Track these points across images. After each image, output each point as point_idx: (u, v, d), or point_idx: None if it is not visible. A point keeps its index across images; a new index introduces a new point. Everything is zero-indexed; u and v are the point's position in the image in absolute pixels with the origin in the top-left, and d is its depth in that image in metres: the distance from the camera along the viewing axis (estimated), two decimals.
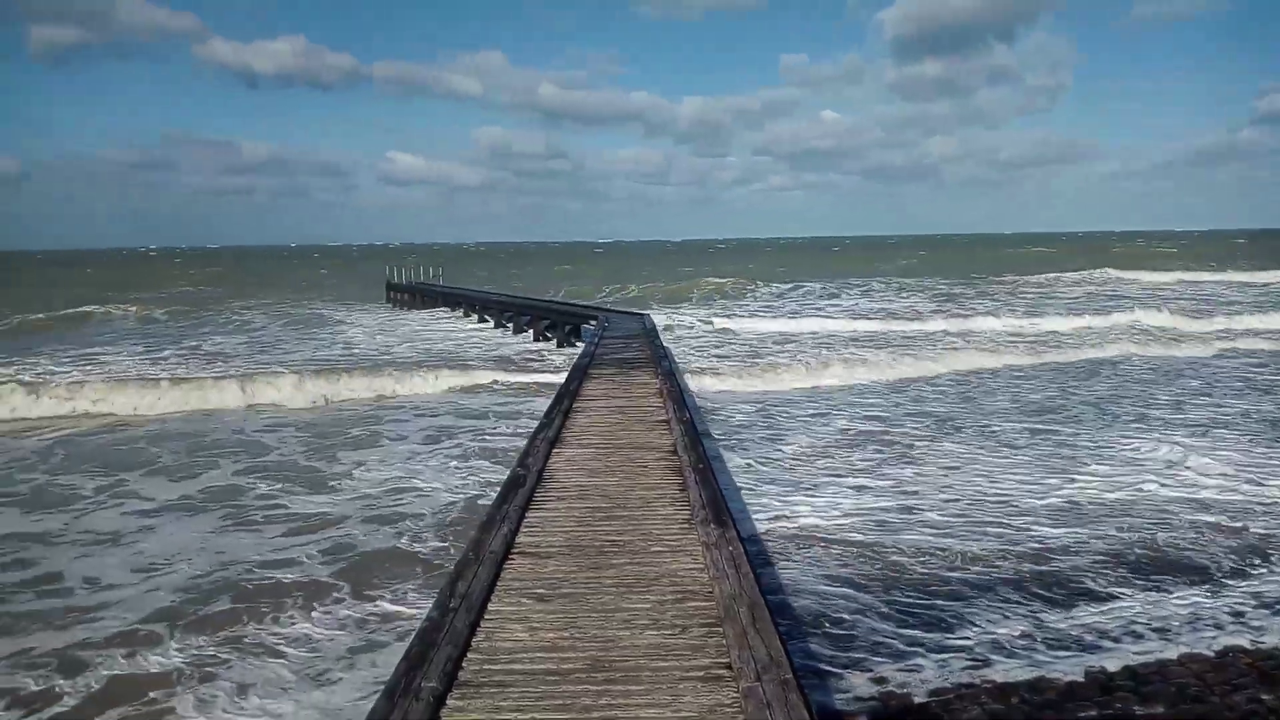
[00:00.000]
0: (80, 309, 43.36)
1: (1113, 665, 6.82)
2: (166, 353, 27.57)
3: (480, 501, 10.78)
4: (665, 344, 19.62)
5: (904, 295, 47.34)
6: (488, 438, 14.87)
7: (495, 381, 20.53)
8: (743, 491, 11.34)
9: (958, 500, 11.11)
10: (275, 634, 7.55)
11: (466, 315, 36.58)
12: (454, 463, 13.23)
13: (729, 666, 4.27)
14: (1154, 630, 7.45)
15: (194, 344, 29.84)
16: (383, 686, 4.09)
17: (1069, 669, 6.78)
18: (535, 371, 22.06)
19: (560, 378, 16.15)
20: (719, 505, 6.69)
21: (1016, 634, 7.42)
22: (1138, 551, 9.27)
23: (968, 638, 7.35)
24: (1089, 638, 7.34)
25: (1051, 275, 59.24)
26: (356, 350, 27.82)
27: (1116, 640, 7.28)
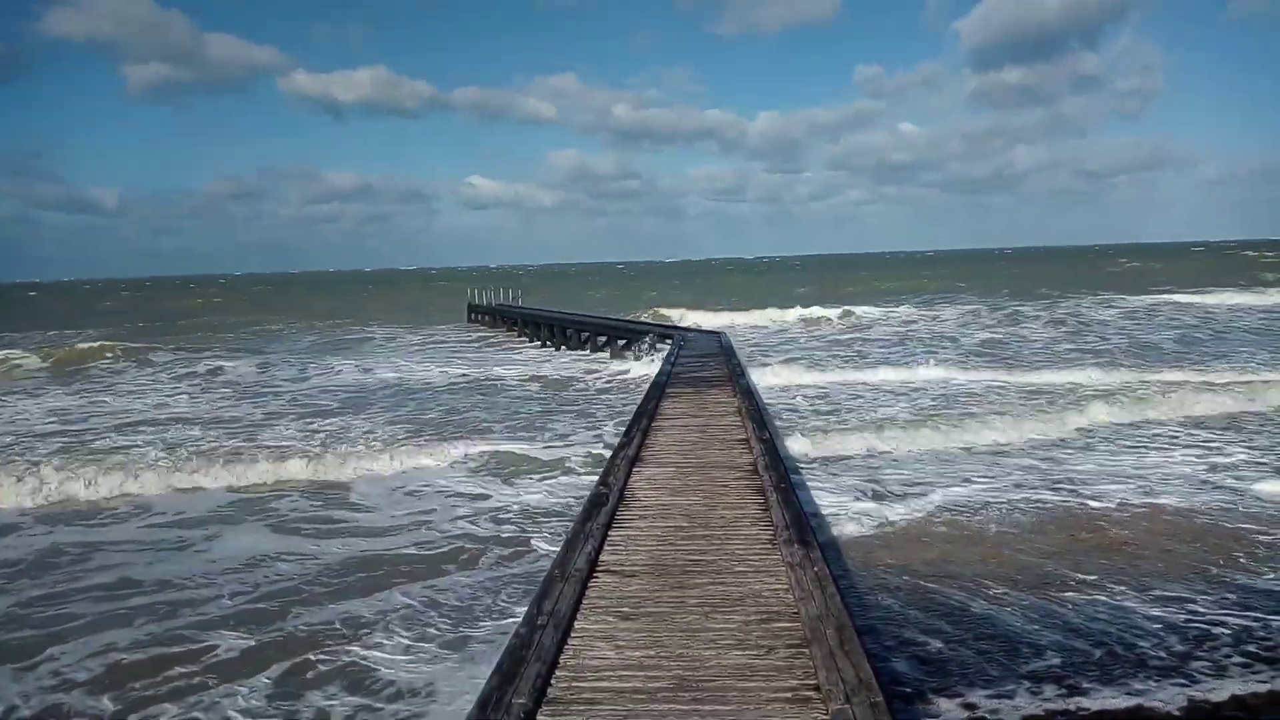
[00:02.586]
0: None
1: (1219, 695, 6.54)
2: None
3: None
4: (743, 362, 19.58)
5: (1031, 323, 38.12)
6: None
7: None
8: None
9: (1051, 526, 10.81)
10: None
11: (545, 342, 37.04)
12: None
13: (817, 688, 4.25)
14: (1264, 660, 7.12)
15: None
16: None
17: (1169, 698, 6.53)
18: None
19: None
20: (802, 525, 6.66)
21: (1112, 659, 7.17)
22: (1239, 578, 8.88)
23: (1060, 664, 7.14)
24: (1191, 665, 7.05)
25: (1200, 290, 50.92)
26: None
27: (1222, 668, 6.98)
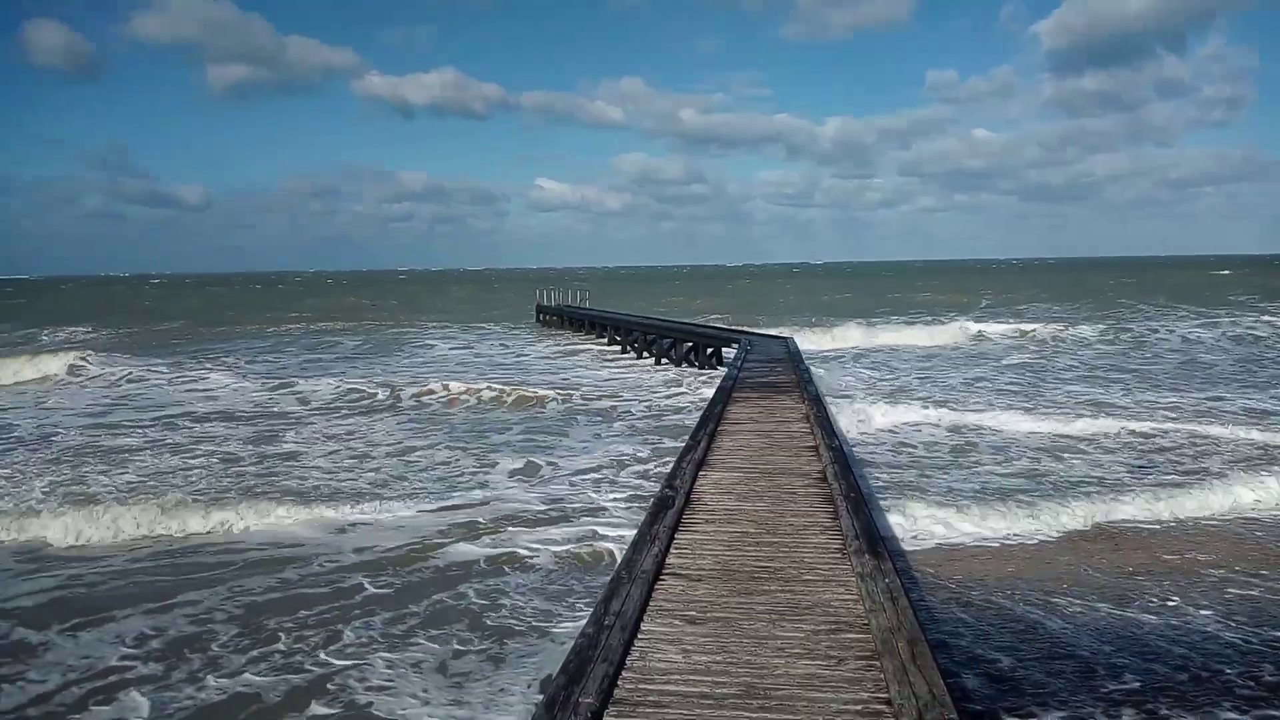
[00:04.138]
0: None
1: None
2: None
3: None
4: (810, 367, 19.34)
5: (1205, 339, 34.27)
6: None
7: None
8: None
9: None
10: None
11: (611, 342, 37.18)
12: None
13: (888, 702, 4.15)
14: None
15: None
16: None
17: None
18: None
19: None
20: (873, 535, 6.54)
21: (1195, 685, 6.89)
22: None
23: (1140, 688, 6.88)
24: None
25: None
26: None
27: None
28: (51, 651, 8.01)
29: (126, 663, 7.74)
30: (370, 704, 6.95)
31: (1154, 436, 15.95)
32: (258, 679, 7.37)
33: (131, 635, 8.29)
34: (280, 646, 7.99)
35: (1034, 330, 38.39)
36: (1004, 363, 29.05)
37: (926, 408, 18.70)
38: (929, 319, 45.03)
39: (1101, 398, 20.84)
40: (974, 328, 38.98)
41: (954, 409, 18.83)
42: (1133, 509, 11.56)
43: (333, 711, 6.87)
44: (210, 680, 7.36)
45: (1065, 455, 14.80)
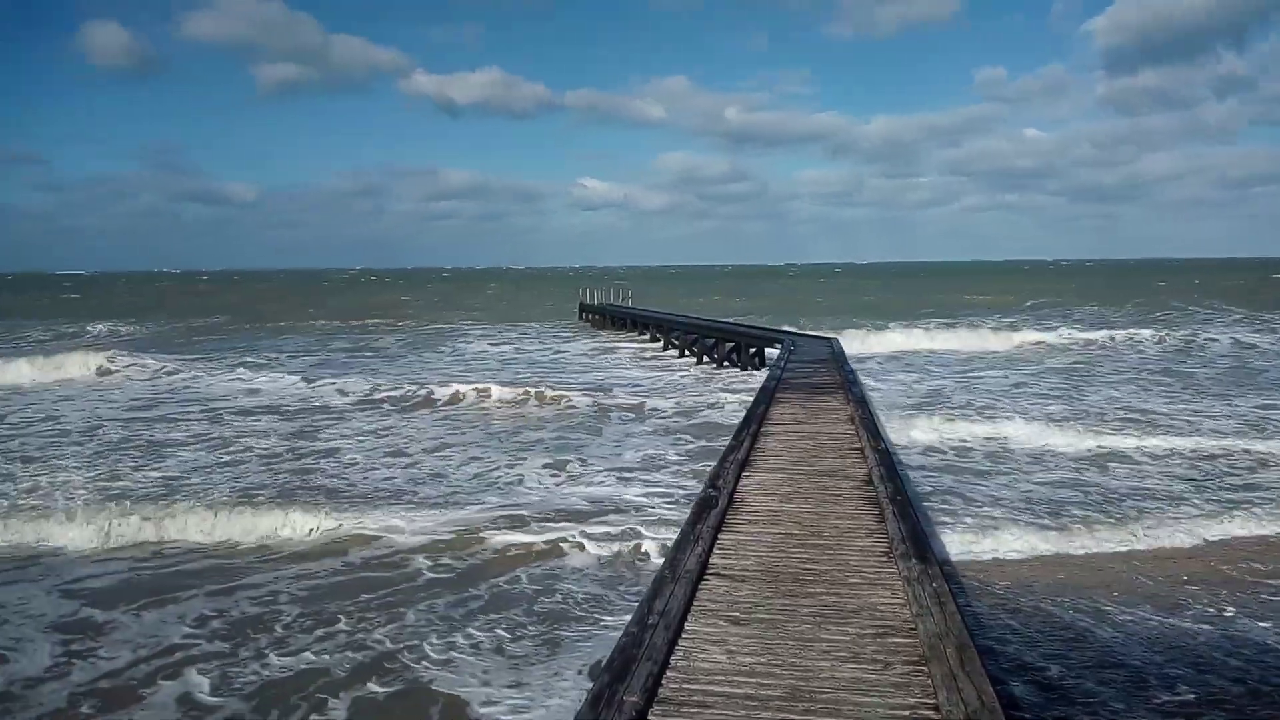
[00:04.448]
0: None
1: None
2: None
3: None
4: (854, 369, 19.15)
5: None
6: None
7: None
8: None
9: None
10: None
11: (652, 340, 37.19)
12: None
13: (936, 709, 4.10)
14: None
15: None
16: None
17: None
18: None
19: None
20: (920, 540, 6.46)
21: (1253, 699, 6.71)
22: None
23: (1195, 699, 6.72)
24: None
25: None
26: None
27: None
28: (119, 630, 8.37)
29: (191, 641, 8.11)
30: (431, 680, 7.23)
31: (1208, 452, 15.27)
32: (322, 657, 7.71)
33: (193, 616, 8.69)
34: (343, 627, 8.33)
35: (1081, 335, 37.06)
36: (1046, 365, 28.34)
37: (966, 417, 18.22)
38: (970, 322, 44.14)
39: (1149, 407, 20.07)
40: (1015, 335, 37.12)
41: (991, 418, 18.23)
42: (1186, 524, 11.26)
43: (394, 689, 7.16)
44: (274, 658, 7.71)
45: (1111, 466, 14.39)
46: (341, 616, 8.56)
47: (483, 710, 6.76)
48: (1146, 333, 37.09)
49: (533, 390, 22.23)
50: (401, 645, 7.87)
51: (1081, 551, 10.30)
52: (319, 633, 8.21)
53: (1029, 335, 36.98)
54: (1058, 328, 40.10)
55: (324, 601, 8.97)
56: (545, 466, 14.65)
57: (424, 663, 7.55)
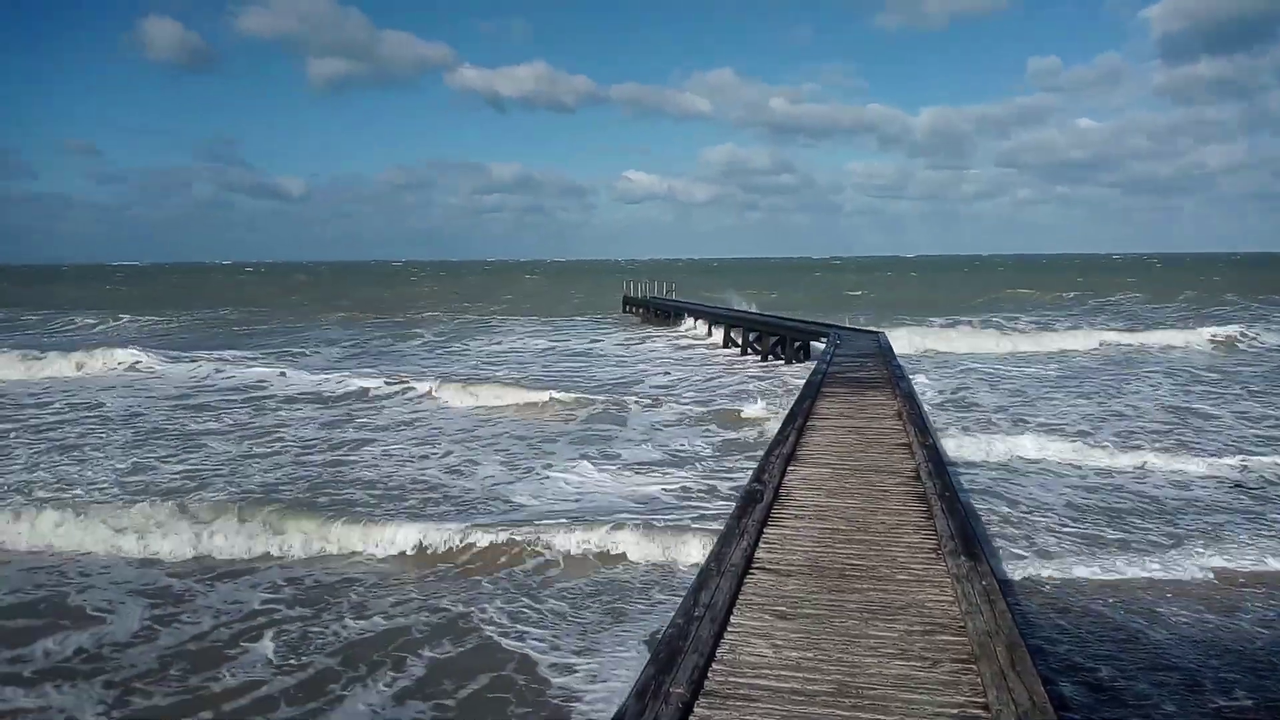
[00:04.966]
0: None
1: None
2: None
3: None
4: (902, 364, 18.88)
5: None
6: None
7: None
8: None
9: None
10: None
11: (695, 333, 37.14)
12: None
13: (986, 708, 4.06)
14: None
15: None
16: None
17: None
18: None
19: None
20: (969, 536, 6.39)
21: None
22: None
23: (1253, 705, 6.56)
24: None
25: None
26: None
27: None
28: (200, 598, 9.04)
29: (269, 607, 8.76)
30: (499, 641, 7.87)
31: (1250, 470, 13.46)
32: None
33: (265, 585, 9.37)
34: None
35: (1123, 335, 33.42)
36: (1077, 365, 26.75)
37: (1004, 429, 17.20)
38: (1005, 320, 42.67)
39: (1193, 419, 17.88)
40: (1051, 337, 33.45)
41: (1028, 428, 16.46)
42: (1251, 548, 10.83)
43: (469, 646, 7.78)
44: (350, 621, 8.32)
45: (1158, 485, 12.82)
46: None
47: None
48: (1196, 334, 32.93)
49: (568, 391, 21.89)
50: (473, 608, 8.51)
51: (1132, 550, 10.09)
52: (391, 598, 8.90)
53: (1063, 338, 33.17)
54: (1098, 325, 38.07)
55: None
56: (588, 456, 14.72)
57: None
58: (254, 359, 29.29)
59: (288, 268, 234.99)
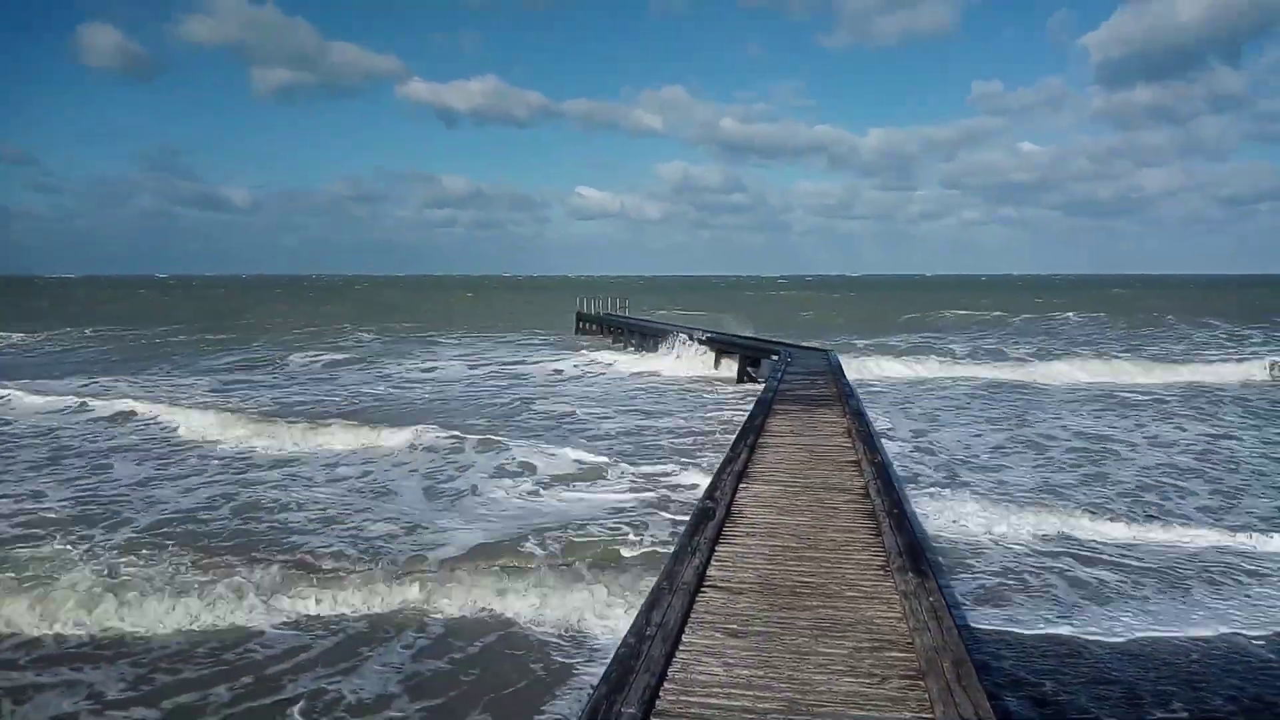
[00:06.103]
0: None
1: None
2: None
3: None
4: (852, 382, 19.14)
5: None
6: None
7: None
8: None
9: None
10: None
11: (644, 350, 37.16)
12: None
13: None
14: None
15: None
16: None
17: None
18: None
19: None
20: (917, 553, 6.48)
21: (1248, 717, 6.72)
22: None
23: (1188, 717, 6.73)
24: None
25: None
26: None
27: None
28: None
29: None
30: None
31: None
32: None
33: None
34: None
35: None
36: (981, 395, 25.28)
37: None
38: (934, 345, 41.15)
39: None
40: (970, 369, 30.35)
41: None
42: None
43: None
44: None
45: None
46: None
47: None
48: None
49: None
50: None
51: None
52: None
53: (978, 368, 30.52)
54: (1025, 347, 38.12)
55: None
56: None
57: None
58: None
59: (226, 281, 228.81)
